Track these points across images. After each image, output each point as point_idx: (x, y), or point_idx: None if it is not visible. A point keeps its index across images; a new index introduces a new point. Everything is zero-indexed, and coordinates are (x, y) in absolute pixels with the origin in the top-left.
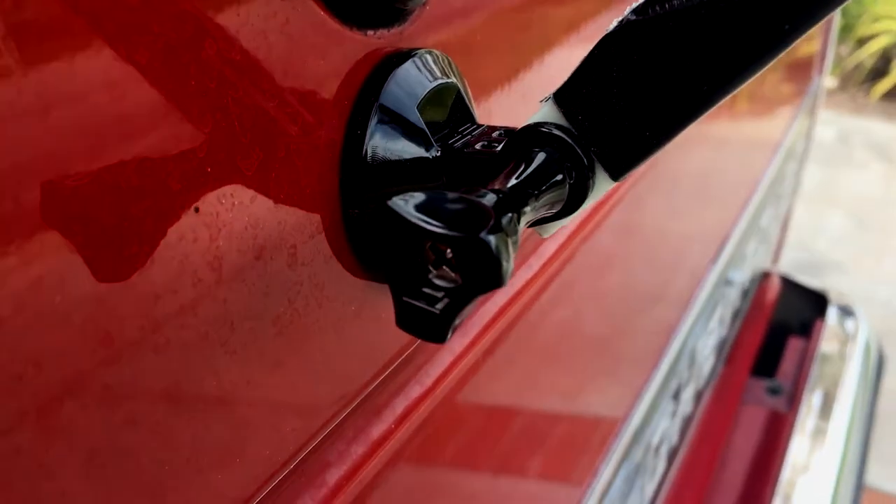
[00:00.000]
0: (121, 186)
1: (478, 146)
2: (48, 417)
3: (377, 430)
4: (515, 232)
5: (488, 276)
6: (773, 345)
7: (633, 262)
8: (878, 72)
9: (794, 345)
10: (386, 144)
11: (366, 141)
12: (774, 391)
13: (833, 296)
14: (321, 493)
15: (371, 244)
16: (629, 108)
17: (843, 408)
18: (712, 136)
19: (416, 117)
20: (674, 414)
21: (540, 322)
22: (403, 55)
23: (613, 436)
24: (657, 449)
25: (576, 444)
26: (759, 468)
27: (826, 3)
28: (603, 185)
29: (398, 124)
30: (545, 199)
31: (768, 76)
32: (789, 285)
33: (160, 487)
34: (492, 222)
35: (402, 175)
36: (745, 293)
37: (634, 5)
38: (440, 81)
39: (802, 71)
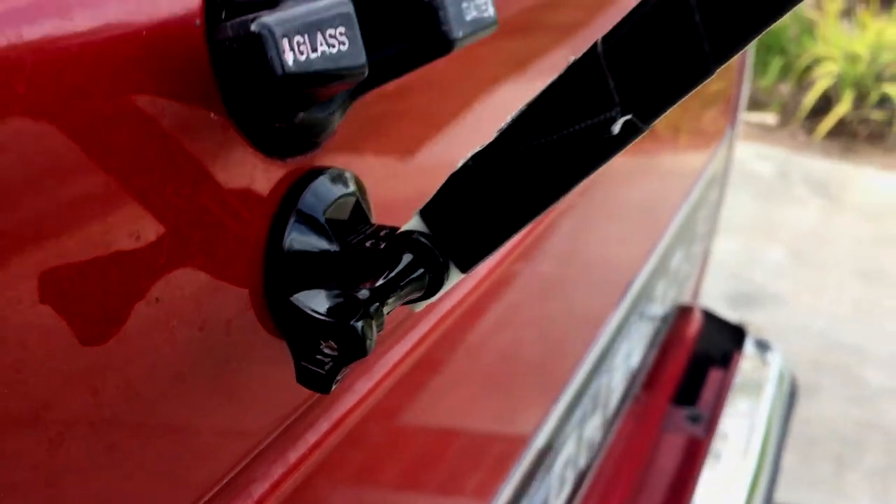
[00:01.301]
0: (106, 284)
1: (368, 244)
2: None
3: (294, 455)
4: (381, 317)
5: (356, 350)
6: (695, 375)
7: (538, 302)
8: (819, 111)
9: (714, 375)
10: (300, 240)
11: (285, 237)
12: (695, 419)
13: (751, 329)
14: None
15: (282, 320)
16: (471, 222)
17: (756, 434)
18: (624, 183)
19: (322, 220)
20: (580, 440)
21: (446, 357)
22: (316, 172)
23: (516, 460)
24: (562, 474)
25: (478, 470)
26: (674, 491)
27: (599, 155)
28: (455, 276)
29: (310, 225)
30: (408, 290)
31: (680, 125)
32: (711, 319)
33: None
34: (360, 312)
35: (311, 264)
36: (660, 327)
37: (472, 153)
38: (343, 191)
39: (714, 122)
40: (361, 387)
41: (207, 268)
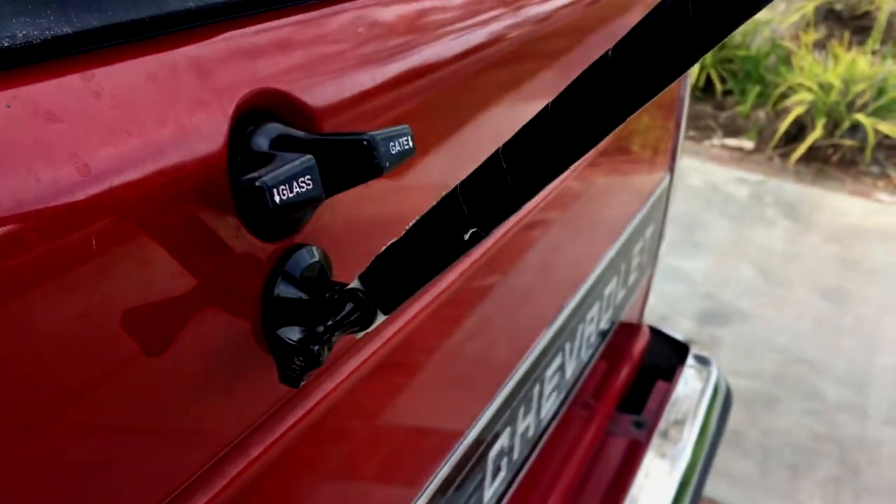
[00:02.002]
0: (170, 315)
1: (326, 295)
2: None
3: (270, 438)
4: (331, 343)
5: (314, 363)
6: (643, 386)
7: (480, 317)
8: (793, 137)
9: (660, 387)
10: (284, 291)
11: (274, 289)
12: (639, 425)
13: (693, 346)
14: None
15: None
16: (388, 283)
17: (691, 436)
18: (569, 217)
19: (298, 278)
20: (513, 434)
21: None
22: (295, 248)
23: (452, 447)
24: (496, 462)
25: (417, 455)
26: (615, 484)
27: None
28: (381, 317)
29: (290, 282)
30: (348, 326)
31: (623, 170)
32: (659, 336)
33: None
34: (318, 341)
35: (290, 307)
36: (601, 343)
37: (388, 244)
38: (312, 260)
39: (653, 168)
40: (325, 387)
41: (227, 308)
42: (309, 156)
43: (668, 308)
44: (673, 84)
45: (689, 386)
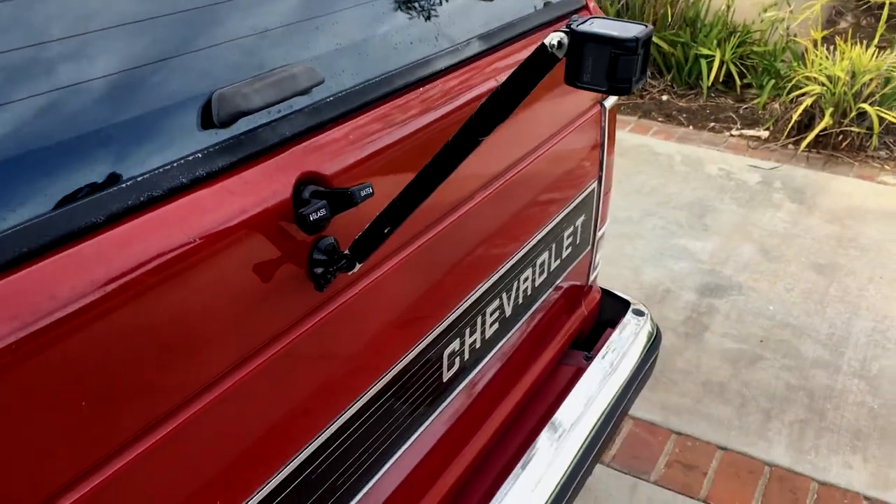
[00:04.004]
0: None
1: (335, 255)
2: None
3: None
4: (335, 273)
5: (329, 280)
6: (596, 333)
7: (448, 264)
8: (805, 126)
9: (608, 332)
10: (317, 254)
11: (312, 254)
12: (588, 358)
13: (632, 301)
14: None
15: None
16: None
17: (625, 367)
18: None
19: (323, 249)
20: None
21: (384, 292)
22: (321, 237)
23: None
24: (450, 364)
25: (387, 346)
26: (561, 392)
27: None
28: (358, 265)
29: (320, 250)
30: (344, 267)
31: (558, 178)
32: (608, 295)
33: None
34: (332, 269)
35: (321, 260)
36: (541, 296)
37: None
38: (329, 242)
39: (584, 174)
40: (340, 298)
41: (294, 261)
42: (324, 201)
43: (673, 283)
44: (602, 122)
45: (627, 331)
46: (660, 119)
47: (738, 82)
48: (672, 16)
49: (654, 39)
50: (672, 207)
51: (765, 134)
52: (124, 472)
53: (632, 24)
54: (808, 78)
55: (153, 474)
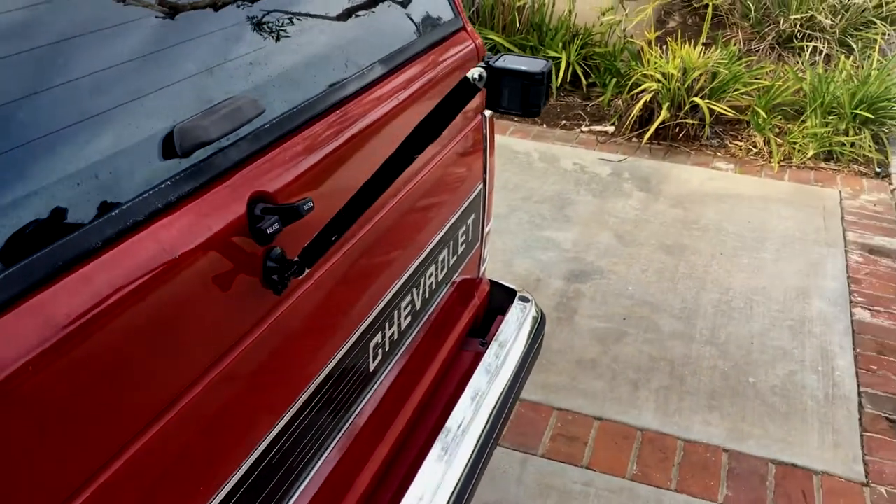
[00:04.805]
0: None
1: (286, 262)
2: None
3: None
4: (289, 277)
5: (284, 285)
6: (488, 320)
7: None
8: (646, 120)
9: (498, 319)
10: (269, 262)
11: (266, 262)
12: (483, 344)
13: (518, 289)
14: None
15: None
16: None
17: (517, 347)
18: (418, 210)
19: (274, 258)
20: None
21: (324, 292)
22: (272, 247)
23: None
24: (374, 354)
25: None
26: (462, 380)
27: None
28: (306, 270)
29: (272, 259)
30: (294, 272)
31: (450, 183)
32: (496, 286)
33: None
34: (286, 275)
35: (272, 267)
36: (443, 290)
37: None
38: (277, 251)
39: (471, 178)
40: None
41: (248, 270)
42: (276, 216)
43: (543, 272)
44: (483, 129)
45: (515, 316)
46: (516, 119)
47: (584, 81)
48: (519, 21)
49: (505, 44)
50: (535, 202)
51: (611, 129)
52: (117, 477)
53: (536, 60)
54: (645, 76)
55: (138, 476)
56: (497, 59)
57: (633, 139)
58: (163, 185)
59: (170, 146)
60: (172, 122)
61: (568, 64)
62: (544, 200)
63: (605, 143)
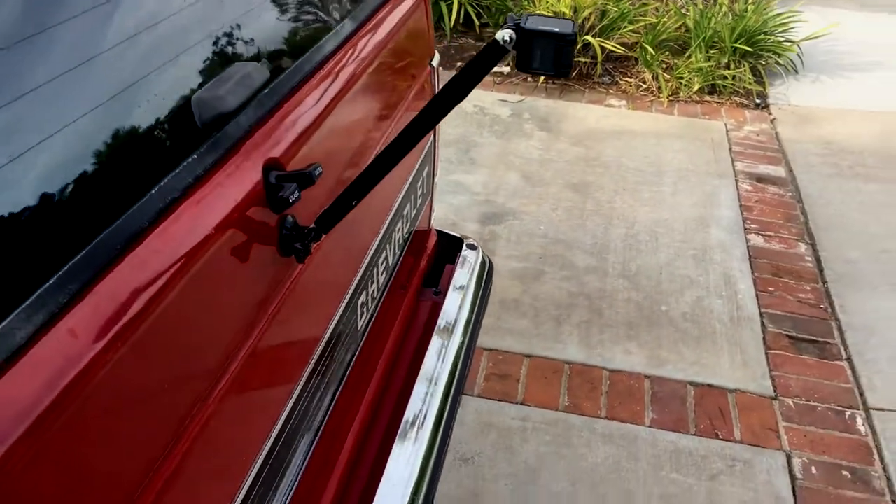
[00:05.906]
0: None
1: (304, 230)
2: None
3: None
4: (310, 244)
5: (307, 252)
6: (438, 269)
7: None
8: None
9: (448, 268)
10: (285, 229)
11: (282, 230)
12: (437, 293)
13: (465, 239)
14: None
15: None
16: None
17: (470, 293)
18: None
19: (289, 225)
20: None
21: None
22: (286, 215)
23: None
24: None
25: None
26: (424, 330)
27: None
28: (323, 235)
29: (288, 227)
30: (312, 239)
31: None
32: (443, 235)
33: None
34: (304, 240)
35: (288, 235)
36: (405, 244)
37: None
38: (292, 219)
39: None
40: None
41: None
42: (295, 183)
43: (457, 216)
44: (433, 80)
45: (465, 264)
46: None
47: (477, 22)
48: None
49: None
50: (441, 146)
51: (507, 69)
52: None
53: (565, 21)
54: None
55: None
56: (526, 21)
57: (529, 79)
58: (190, 160)
59: (188, 118)
60: (183, 96)
61: (460, 5)
62: (450, 144)
63: (501, 84)
